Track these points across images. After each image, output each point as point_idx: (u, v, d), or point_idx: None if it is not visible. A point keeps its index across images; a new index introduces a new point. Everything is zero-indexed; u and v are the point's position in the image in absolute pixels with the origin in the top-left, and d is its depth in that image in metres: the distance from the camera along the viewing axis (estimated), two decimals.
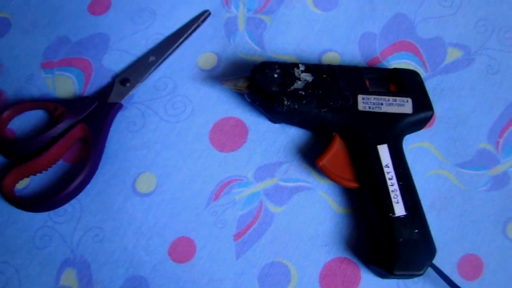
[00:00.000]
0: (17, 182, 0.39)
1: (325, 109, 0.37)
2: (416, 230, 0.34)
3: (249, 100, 0.39)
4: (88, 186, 0.39)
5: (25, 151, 0.39)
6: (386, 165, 0.36)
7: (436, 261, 0.35)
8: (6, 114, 0.40)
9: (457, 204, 0.39)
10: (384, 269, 0.34)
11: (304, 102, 0.37)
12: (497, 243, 0.38)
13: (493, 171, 0.39)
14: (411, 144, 0.40)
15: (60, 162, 0.40)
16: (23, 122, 0.41)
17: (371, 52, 0.43)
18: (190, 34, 0.44)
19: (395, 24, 0.44)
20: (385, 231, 0.35)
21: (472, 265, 0.37)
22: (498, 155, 0.40)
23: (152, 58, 0.42)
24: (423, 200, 0.36)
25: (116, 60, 0.43)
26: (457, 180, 0.39)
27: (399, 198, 0.35)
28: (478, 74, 0.42)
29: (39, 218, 0.38)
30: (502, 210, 0.38)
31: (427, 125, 0.40)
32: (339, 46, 0.43)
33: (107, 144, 0.40)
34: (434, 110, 0.39)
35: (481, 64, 0.43)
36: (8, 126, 0.41)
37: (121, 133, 0.40)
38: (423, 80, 0.39)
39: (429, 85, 0.41)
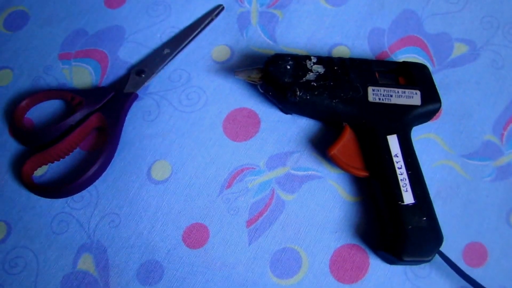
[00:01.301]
0: (35, 169, 0.40)
1: (336, 100, 0.38)
2: (424, 218, 0.35)
3: (262, 91, 0.40)
4: (105, 173, 0.40)
5: (43, 140, 0.40)
6: (396, 154, 0.37)
7: (441, 248, 0.36)
8: (24, 103, 0.41)
9: (462, 194, 0.40)
10: (393, 255, 0.35)
11: (316, 93, 0.38)
12: (501, 232, 0.39)
13: (498, 162, 0.41)
14: (418, 135, 0.41)
15: (77, 150, 0.41)
16: (41, 112, 0.42)
17: (380, 47, 0.44)
18: (204, 27, 0.45)
19: (403, 20, 0.45)
20: (394, 219, 0.36)
21: (477, 253, 0.38)
22: (502, 147, 0.41)
23: (167, 51, 0.43)
24: (430, 189, 0.37)
25: (131, 52, 0.44)
26: (462, 171, 0.40)
27: (408, 187, 0.36)
28: (484, 68, 0.44)
29: (57, 204, 0.39)
30: (506, 199, 0.40)
31: (434, 117, 0.41)
32: (348, 40, 0.44)
33: (123, 133, 0.41)
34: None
35: (487, 59, 0.44)
36: (26, 115, 0.42)
37: (136, 122, 0.42)
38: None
39: (436, 79, 0.42)
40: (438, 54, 0.44)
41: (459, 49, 0.44)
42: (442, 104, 0.41)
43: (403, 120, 0.38)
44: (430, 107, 0.39)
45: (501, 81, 0.43)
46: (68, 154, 0.40)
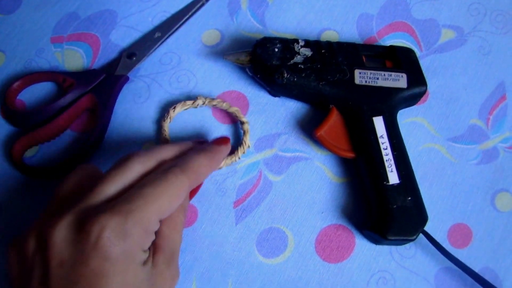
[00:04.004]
0: (26, 150, 0.40)
1: (323, 82, 0.39)
2: (409, 198, 0.36)
3: (250, 73, 0.41)
4: (95, 154, 0.40)
5: (34, 121, 0.40)
6: (381, 136, 0.38)
7: (427, 229, 0.36)
8: (16, 85, 0.42)
9: (448, 176, 0.40)
10: (378, 234, 0.36)
11: (303, 75, 0.39)
12: (485, 214, 0.39)
13: (483, 145, 0.41)
14: (406, 118, 0.41)
15: (68, 131, 0.41)
16: (33, 93, 0.42)
17: (368, 32, 0.45)
18: (195, 12, 0.45)
19: (391, 6, 0.46)
20: (379, 198, 0.36)
21: (462, 234, 0.39)
22: (488, 131, 0.42)
23: (158, 34, 0.44)
24: (416, 171, 0.38)
25: (123, 36, 0.44)
26: (448, 154, 0.41)
27: (393, 167, 0.37)
28: (471, 54, 0.44)
29: (47, 185, 0.40)
30: (491, 182, 0.40)
31: (421, 101, 0.42)
32: (337, 25, 0.45)
33: (113, 115, 0.41)
34: (428, 86, 0.40)
35: (474, 45, 0.44)
36: (18, 97, 0.42)
37: (127, 104, 0.42)
38: (418, 57, 0.41)
39: (423, 64, 0.43)
40: (426, 40, 0.45)
41: (447, 35, 0.45)
42: (429, 88, 0.42)
43: (389, 102, 0.39)
44: (416, 90, 0.39)
45: (487, 67, 0.44)
46: (58, 135, 0.41)
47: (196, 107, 0.41)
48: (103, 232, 0.27)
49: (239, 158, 0.39)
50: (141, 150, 0.32)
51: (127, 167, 0.31)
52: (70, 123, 0.41)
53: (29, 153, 0.40)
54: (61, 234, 0.28)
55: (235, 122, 0.41)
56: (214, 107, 0.41)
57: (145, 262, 0.29)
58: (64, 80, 0.42)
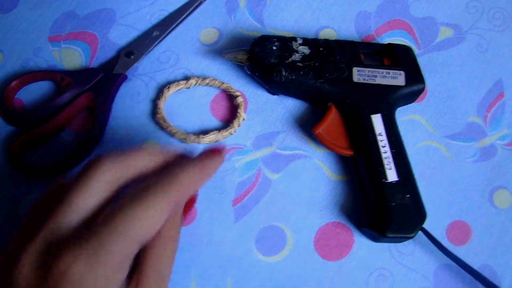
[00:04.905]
0: (24, 149, 0.40)
1: (322, 80, 0.39)
2: (408, 195, 0.36)
3: (249, 72, 0.41)
4: (93, 153, 0.40)
5: (32, 120, 0.40)
6: (379, 133, 0.38)
7: (426, 227, 0.36)
8: (14, 84, 0.42)
9: (446, 174, 0.40)
10: (377, 232, 0.36)
11: (301, 73, 0.39)
12: (483, 211, 0.39)
13: (481, 143, 0.41)
14: (403, 116, 0.42)
15: (67, 130, 0.41)
16: (31, 92, 0.42)
17: (366, 30, 0.45)
18: (193, 10, 0.45)
19: (389, 4, 0.46)
20: (378, 196, 0.36)
21: (460, 231, 0.39)
22: (486, 128, 0.42)
23: (156, 33, 0.44)
24: (414, 169, 0.38)
25: (121, 34, 0.44)
26: (446, 151, 0.41)
27: (392, 165, 0.37)
28: (468, 52, 0.44)
29: (46, 184, 0.39)
30: (489, 179, 0.40)
31: (419, 98, 0.42)
32: (335, 23, 0.45)
33: (112, 113, 0.41)
34: (426, 84, 0.40)
35: (471, 43, 0.45)
36: (16, 96, 0.42)
37: (125, 103, 0.42)
38: (416, 55, 0.41)
39: (421, 62, 0.43)
40: (424, 38, 0.45)
41: (445, 32, 0.45)
42: (427, 86, 0.42)
43: (387, 100, 0.39)
44: (414, 87, 0.39)
45: (485, 64, 0.44)
46: (57, 134, 0.41)
47: (189, 87, 0.42)
48: (71, 268, 0.24)
49: (235, 130, 0.40)
50: (113, 153, 0.29)
51: (93, 178, 0.27)
52: (69, 122, 0.41)
53: (27, 152, 0.40)
54: (24, 271, 0.25)
55: (233, 118, 0.41)
56: (207, 85, 0.42)
57: None
58: (62, 79, 0.42)
